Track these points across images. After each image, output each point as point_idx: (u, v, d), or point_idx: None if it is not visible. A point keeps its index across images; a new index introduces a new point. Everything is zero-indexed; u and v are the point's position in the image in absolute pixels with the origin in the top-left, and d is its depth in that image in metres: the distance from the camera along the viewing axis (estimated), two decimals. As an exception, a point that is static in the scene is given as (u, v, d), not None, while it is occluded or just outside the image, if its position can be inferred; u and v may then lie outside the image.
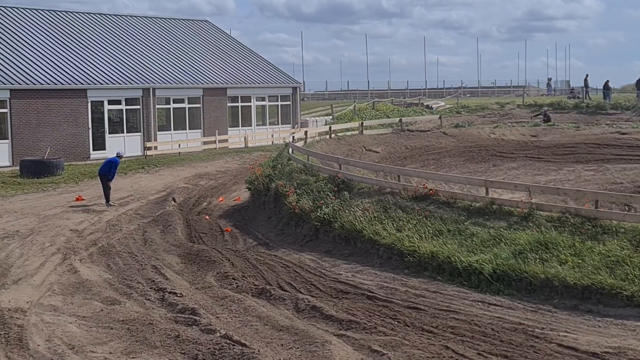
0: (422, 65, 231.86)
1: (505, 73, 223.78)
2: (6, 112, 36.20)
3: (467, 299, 14.83)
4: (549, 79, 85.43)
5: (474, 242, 16.88)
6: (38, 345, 12.21)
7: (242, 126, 46.63)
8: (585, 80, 62.99)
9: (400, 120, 39.90)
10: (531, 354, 11.48)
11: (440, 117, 44.45)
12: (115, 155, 26.82)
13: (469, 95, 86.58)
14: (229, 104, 46.21)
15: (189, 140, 42.99)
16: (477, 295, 14.99)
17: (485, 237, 16.95)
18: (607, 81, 61.32)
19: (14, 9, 44.26)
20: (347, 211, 20.04)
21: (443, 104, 63.46)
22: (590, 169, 31.07)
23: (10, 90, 36.21)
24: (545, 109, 51.25)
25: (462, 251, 16.52)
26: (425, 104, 62.90)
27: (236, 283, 16.13)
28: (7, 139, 36.20)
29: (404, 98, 72.92)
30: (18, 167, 33.30)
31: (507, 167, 31.92)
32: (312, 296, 14.98)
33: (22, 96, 36.62)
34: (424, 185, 20.70)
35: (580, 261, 15.06)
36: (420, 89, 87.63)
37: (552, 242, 15.90)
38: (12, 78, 36.71)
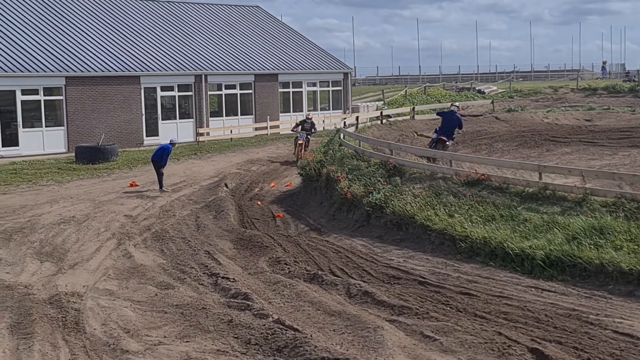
0: (473, 49, 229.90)
1: (559, 57, 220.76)
2: (62, 99, 36.76)
3: (520, 284, 14.72)
4: (604, 62, 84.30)
5: (527, 228, 16.73)
6: (94, 329, 12.40)
7: (293, 112, 46.69)
8: (642, 63, 61.87)
9: (452, 104, 39.55)
10: (585, 340, 11.36)
11: (492, 102, 44.04)
12: (169, 142, 27.02)
13: (521, 79, 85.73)
14: (280, 90, 46.32)
15: (241, 126, 43.21)
16: (530, 281, 14.87)
17: (539, 223, 16.79)
18: (664, 64, 60.17)
19: (68, -3, 44.85)
20: (398, 197, 19.99)
21: (495, 88, 62.87)
22: (646, 154, 30.53)
23: (66, 77, 36.76)
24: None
25: (515, 237, 16.39)
26: (477, 88, 62.38)
27: (288, 268, 16.20)
28: (63, 125, 36.77)
29: (456, 83, 72.46)
30: (73, 153, 33.82)
31: (561, 152, 31.50)
32: (364, 281, 14.99)
33: (77, 83, 37.13)
34: (476, 170, 20.56)
35: (636, 247, 14.84)
36: (472, 74, 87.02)
37: (607, 227, 15.69)
38: (68, 65, 37.23)
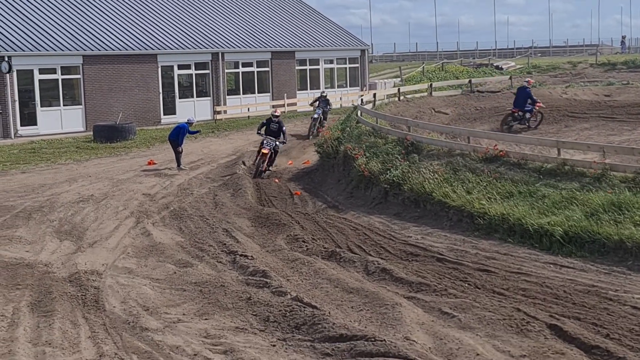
0: (491, 25, 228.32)
1: (577, 32, 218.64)
2: (79, 78, 36.85)
3: (539, 261, 14.68)
4: (623, 37, 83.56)
5: (545, 204, 16.66)
6: (114, 306, 12.46)
7: (310, 89, 46.61)
8: (662, 37, 61.33)
9: (470, 81, 39.40)
10: (604, 316, 11.32)
11: (510, 78, 43.76)
12: (186, 121, 26.99)
13: (539, 55, 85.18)
14: (297, 67, 46.23)
15: (258, 104, 43.17)
16: (549, 258, 14.83)
17: (557, 199, 16.71)
18: (684, 38, 59.63)
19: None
20: (416, 173, 19.95)
21: (513, 64, 62.48)
22: (667, 129, 30.27)
23: (83, 56, 36.83)
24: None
25: (533, 213, 16.33)
26: (495, 64, 62.02)
27: (306, 246, 16.20)
28: (81, 104, 36.90)
29: (474, 59, 72.12)
30: (91, 132, 33.95)
31: (580, 128, 31.29)
32: (382, 258, 14.99)
33: (95, 62, 37.21)
34: (494, 146, 20.49)
35: (656, 223, 14.76)
36: (490, 50, 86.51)
37: (626, 203, 15.59)
38: (85, 44, 37.28)
